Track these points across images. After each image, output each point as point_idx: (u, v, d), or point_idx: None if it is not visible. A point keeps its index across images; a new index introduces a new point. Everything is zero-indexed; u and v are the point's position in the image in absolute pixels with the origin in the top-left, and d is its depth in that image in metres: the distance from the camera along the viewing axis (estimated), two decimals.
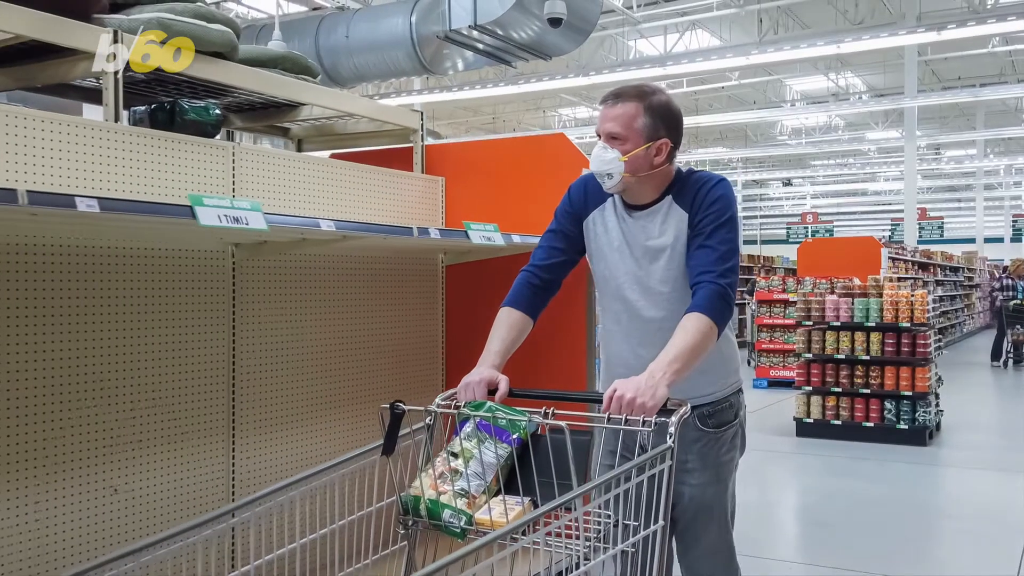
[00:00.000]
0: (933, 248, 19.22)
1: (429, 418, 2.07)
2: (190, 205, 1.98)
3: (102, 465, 2.57)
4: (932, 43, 14.08)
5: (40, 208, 1.70)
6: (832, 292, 8.12)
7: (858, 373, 7.59)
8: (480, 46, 11.26)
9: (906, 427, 7.39)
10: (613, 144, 2.22)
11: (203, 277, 2.89)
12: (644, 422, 1.89)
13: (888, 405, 7.48)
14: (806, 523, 5.51)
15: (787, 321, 10.94)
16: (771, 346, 11.10)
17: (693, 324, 2.07)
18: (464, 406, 2.03)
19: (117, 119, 2.69)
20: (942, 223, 24.37)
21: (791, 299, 10.91)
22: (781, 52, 11.55)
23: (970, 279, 21.65)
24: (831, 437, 7.58)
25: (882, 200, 34.86)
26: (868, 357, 7.54)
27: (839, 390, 7.65)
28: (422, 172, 3.97)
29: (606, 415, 1.92)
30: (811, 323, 7.86)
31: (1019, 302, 14.40)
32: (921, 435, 7.37)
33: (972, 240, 29.80)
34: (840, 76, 20.65)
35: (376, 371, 3.55)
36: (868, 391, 7.54)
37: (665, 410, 1.92)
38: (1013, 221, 25.54)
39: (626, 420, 1.89)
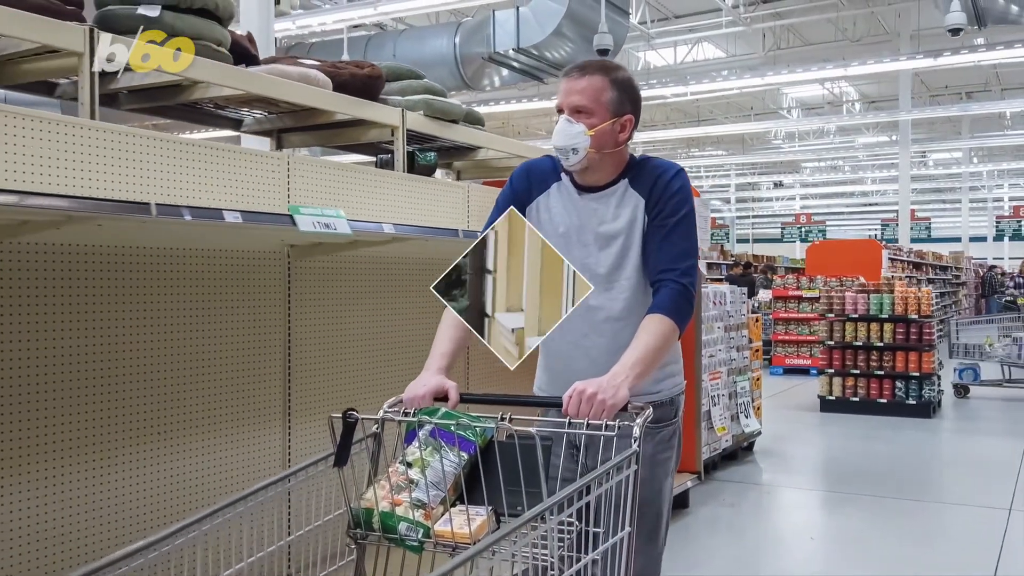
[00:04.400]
0: (922, 248, 20.51)
1: (376, 426, 1.95)
2: None
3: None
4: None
5: (432, 235, 2.91)
6: (844, 289, 9.43)
7: (873, 357, 8.93)
8: (517, 65, 12.50)
9: (914, 402, 8.71)
10: (578, 118, 2.11)
11: None
12: (606, 426, 1.80)
13: (899, 384, 8.82)
14: (831, 467, 6.79)
15: (802, 315, 12.22)
16: (787, 337, 12.37)
17: (656, 326, 2.00)
18: (418, 412, 1.92)
19: (404, 169, 3.87)
20: (929, 224, 25.64)
21: (804, 295, 12.18)
22: (794, 74, 12.78)
23: (957, 277, 22.96)
24: (850, 412, 8.90)
25: (870, 201, 36.16)
26: (882, 344, 8.88)
27: (857, 372, 8.99)
28: None
29: (567, 419, 1.85)
30: (833, 315, 9.16)
31: (1010, 299, 15.36)
32: (926, 409, 8.69)
33: (958, 239, 31.07)
34: (835, 85, 21.93)
35: None
36: (882, 372, 8.88)
37: (626, 413, 1.86)
38: (996, 222, 26.93)
39: (588, 425, 1.82)
